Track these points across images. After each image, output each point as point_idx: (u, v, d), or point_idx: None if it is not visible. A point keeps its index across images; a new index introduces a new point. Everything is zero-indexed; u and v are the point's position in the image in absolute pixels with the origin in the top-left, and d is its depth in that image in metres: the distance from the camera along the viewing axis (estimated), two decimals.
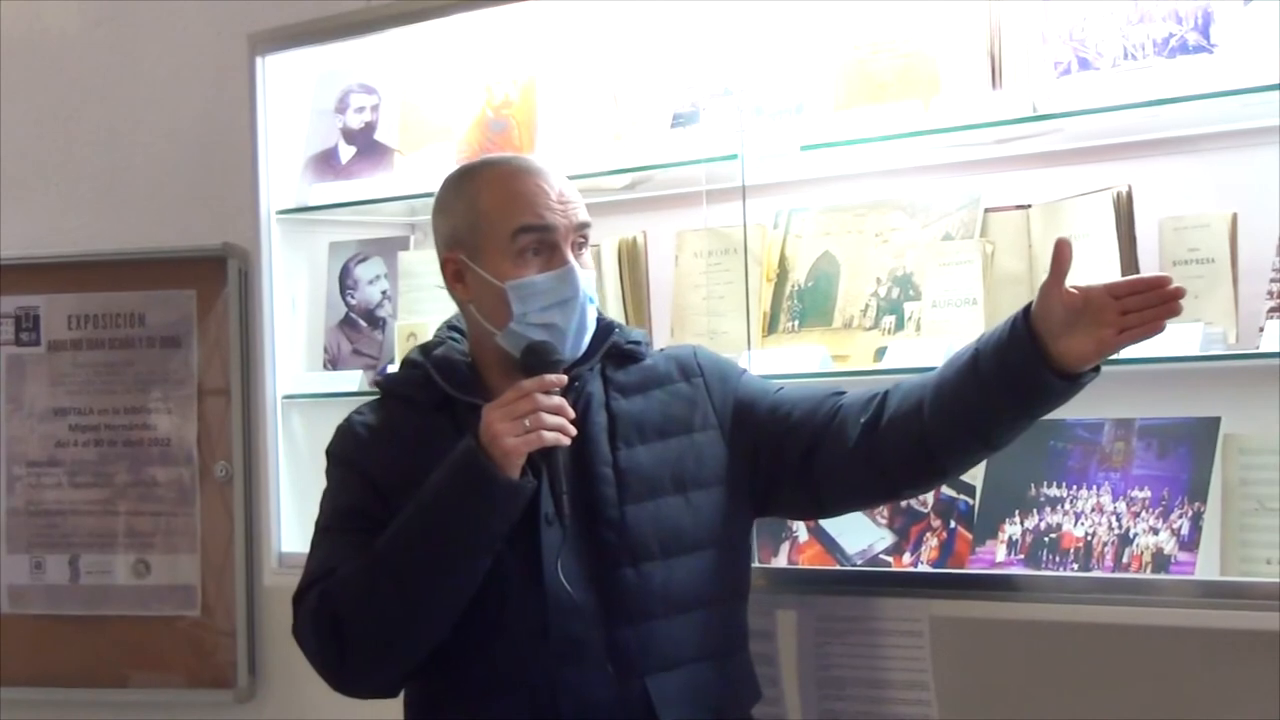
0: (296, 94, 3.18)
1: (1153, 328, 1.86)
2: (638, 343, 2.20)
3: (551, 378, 1.99)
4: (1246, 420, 2.24)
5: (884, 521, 2.49)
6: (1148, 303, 1.85)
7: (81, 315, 3.60)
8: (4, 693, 3.59)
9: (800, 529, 2.56)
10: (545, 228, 2.05)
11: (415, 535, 1.98)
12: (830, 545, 2.53)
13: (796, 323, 2.66)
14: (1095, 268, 2.33)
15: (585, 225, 2.10)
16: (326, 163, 3.16)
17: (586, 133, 2.81)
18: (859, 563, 2.49)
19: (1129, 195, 2.32)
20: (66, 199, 3.79)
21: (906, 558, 2.45)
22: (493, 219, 2.06)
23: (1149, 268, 2.32)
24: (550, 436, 1.96)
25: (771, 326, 2.68)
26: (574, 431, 2.00)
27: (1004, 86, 2.40)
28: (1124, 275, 2.29)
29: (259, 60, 3.12)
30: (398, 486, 2.04)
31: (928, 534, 2.44)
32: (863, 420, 2.07)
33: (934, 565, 2.42)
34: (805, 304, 2.65)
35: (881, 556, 2.48)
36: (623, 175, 2.82)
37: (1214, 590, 2.14)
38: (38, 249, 3.67)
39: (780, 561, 2.57)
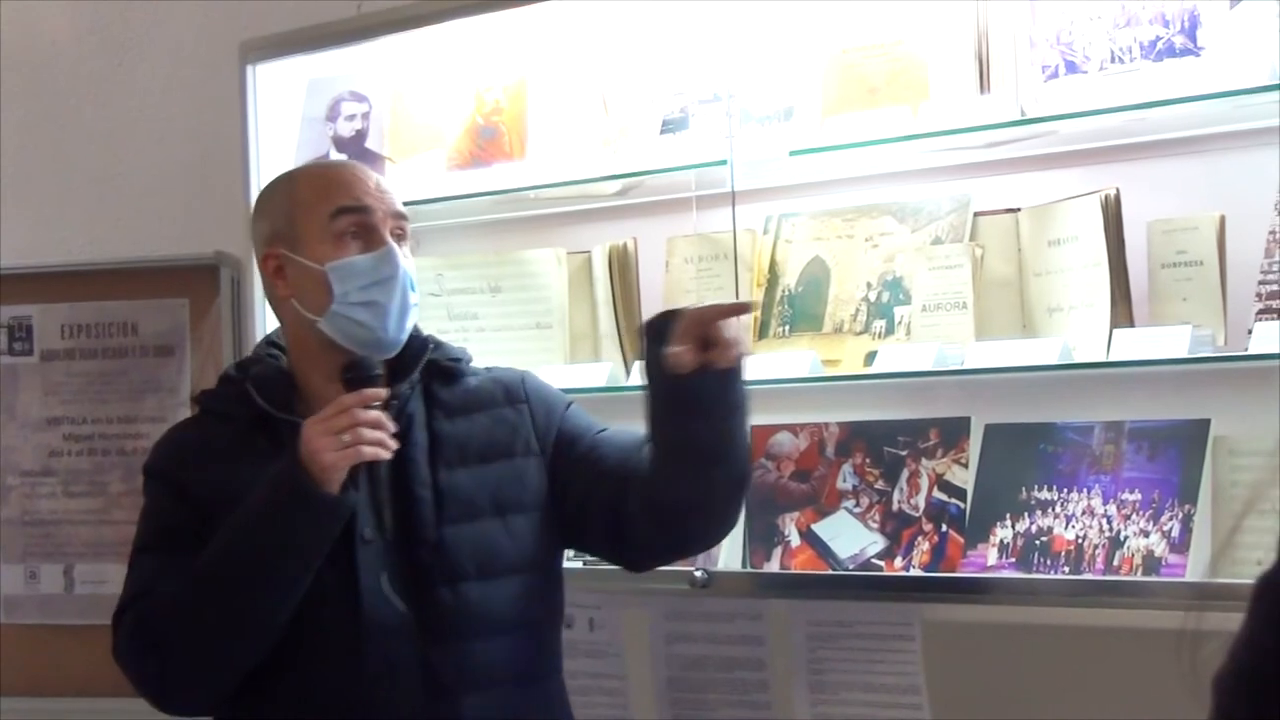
0: (287, 102, 3.18)
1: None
2: (457, 360, 2.15)
3: (371, 392, 1.97)
4: (1236, 422, 2.24)
5: (875, 526, 2.49)
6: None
7: (74, 325, 3.59)
8: (0, 703, 3.58)
9: (792, 533, 2.56)
10: (362, 208, 2.06)
11: (236, 552, 1.96)
12: (822, 550, 2.53)
13: (787, 328, 2.66)
14: (1084, 271, 2.34)
15: (403, 216, 2.10)
16: None
17: (576, 139, 2.81)
18: (851, 567, 2.49)
19: (1117, 198, 2.32)
20: (58, 208, 3.79)
21: (898, 562, 2.45)
22: (311, 205, 2.08)
23: (1137, 270, 2.33)
24: (369, 451, 1.93)
25: (762, 332, 2.68)
26: (395, 445, 1.97)
27: (992, 90, 2.41)
28: (1113, 278, 2.31)
29: (250, 69, 3.11)
30: (216, 503, 2.01)
31: (919, 538, 2.44)
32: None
33: (925, 569, 2.41)
34: (795, 309, 2.65)
35: (873, 560, 2.48)
36: (613, 181, 2.82)
37: (1205, 592, 2.13)
38: (30, 258, 3.66)
39: (772, 566, 2.57)
